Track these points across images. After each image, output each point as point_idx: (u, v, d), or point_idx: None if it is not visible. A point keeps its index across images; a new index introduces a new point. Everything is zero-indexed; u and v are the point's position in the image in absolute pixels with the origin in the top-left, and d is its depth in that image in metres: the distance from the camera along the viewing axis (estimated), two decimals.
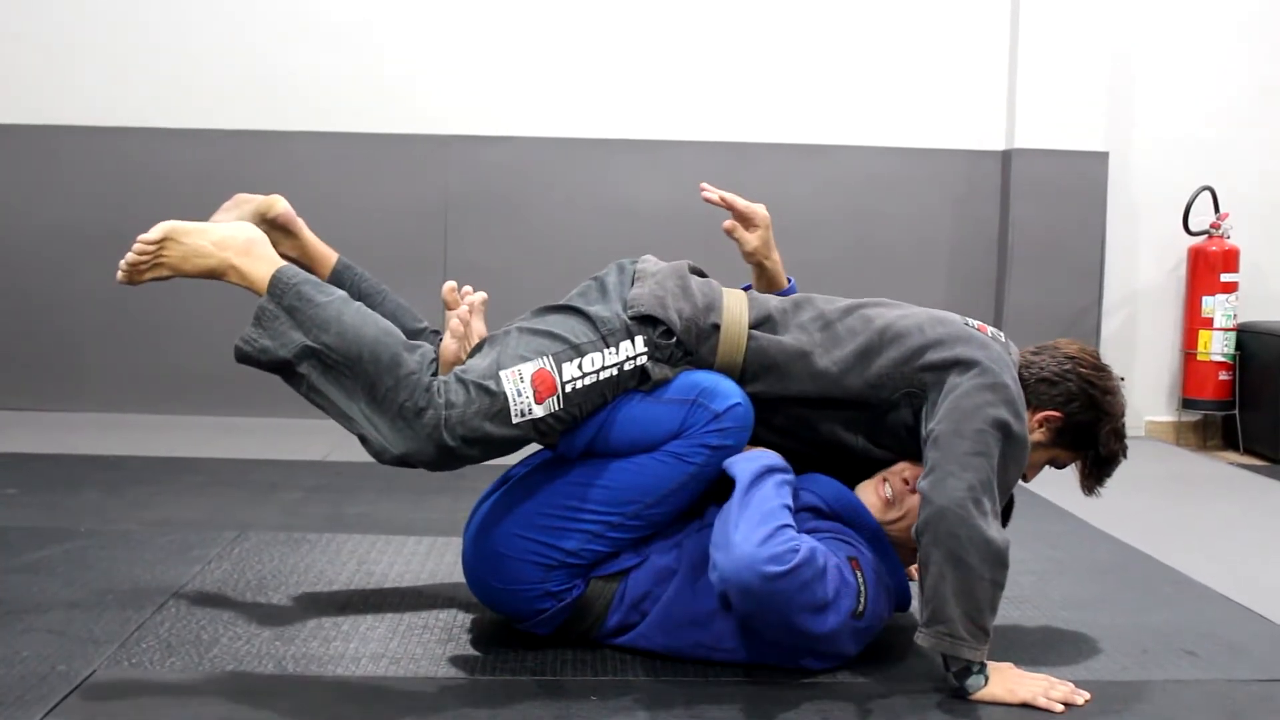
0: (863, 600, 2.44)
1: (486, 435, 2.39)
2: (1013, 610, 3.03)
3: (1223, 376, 5.81)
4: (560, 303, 2.57)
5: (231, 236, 2.49)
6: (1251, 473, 5.22)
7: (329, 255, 2.87)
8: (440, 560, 3.28)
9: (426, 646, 2.63)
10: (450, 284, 2.63)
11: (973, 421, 2.42)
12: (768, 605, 2.30)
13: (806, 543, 2.34)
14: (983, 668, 2.40)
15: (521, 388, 2.40)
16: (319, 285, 2.47)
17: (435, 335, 2.86)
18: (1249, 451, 5.73)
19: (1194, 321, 5.84)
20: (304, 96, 5.65)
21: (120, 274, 2.46)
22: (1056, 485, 4.49)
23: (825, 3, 5.79)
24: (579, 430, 2.51)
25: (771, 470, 2.47)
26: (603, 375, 2.46)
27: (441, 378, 2.40)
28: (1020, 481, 2.62)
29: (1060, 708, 2.38)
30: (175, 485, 4.18)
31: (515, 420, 2.40)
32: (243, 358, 2.44)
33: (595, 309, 2.52)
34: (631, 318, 2.50)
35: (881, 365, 2.55)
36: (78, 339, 5.68)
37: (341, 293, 2.49)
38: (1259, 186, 5.93)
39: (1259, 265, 5.95)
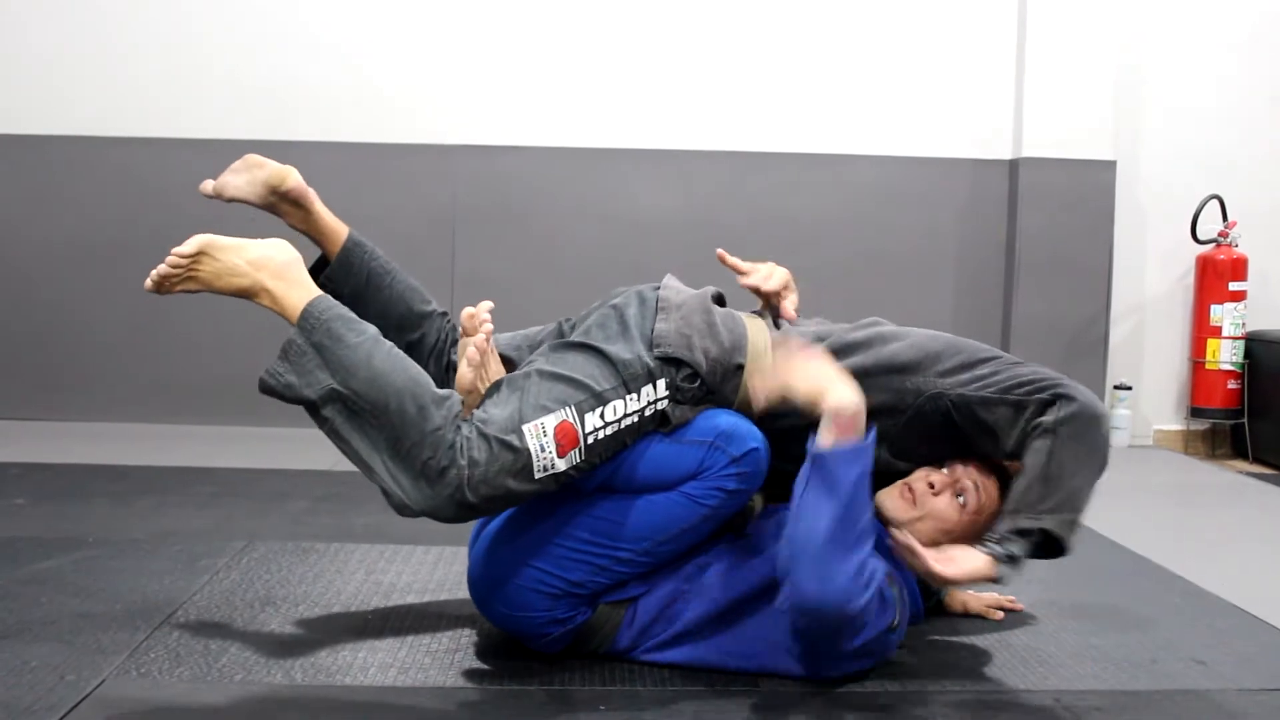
0: (898, 615, 2.44)
1: (509, 492, 2.35)
2: (1020, 620, 3.02)
3: (1231, 385, 5.80)
4: (580, 339, 2.49)
5: (269, 257, 2.40)
6: (1261, 481, 5.21)
7: (339, 230, 2.79)
8: (449, 570, 3.28)
9: (434, 656, 2.63)
10: (469, 310, 2.56)
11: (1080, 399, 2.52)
12: (836, 629, 2.31)
13: (880, 571, 2.34)
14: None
15: (545, 442, 2.34)
16: (350, 323, 2.38)
17: (444, 318, 2.81)
18: (1258, 460, 5.72)
19: (1202, 330, 5.83)
20: (310, 107, 5.66)
21: (149, 283, 2.38)
22: None
23: (833, 13, 5.79)
24: (596, 473, 2.48)
25: (865, 474, 2.35)
26: (624, 424, 2.42)
27: (464, 433, 2.33)
28: None
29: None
30: (183, 495, 4.18)
31: (538, 476, 2.35)
32: (267, 390, 2.37)
33: (616, 349, 2.45)
34: (656, 358, 2.45)
35: (914, 381, 2.55)
36: (85, 349, 5.68)
37: (373, 331, 2.40)
38: (1267, 195, 5.92)
39: (1267, 274, 5.94)
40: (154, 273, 2.37)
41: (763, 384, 2.43)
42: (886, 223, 5.81)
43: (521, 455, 2.33)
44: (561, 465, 2.37)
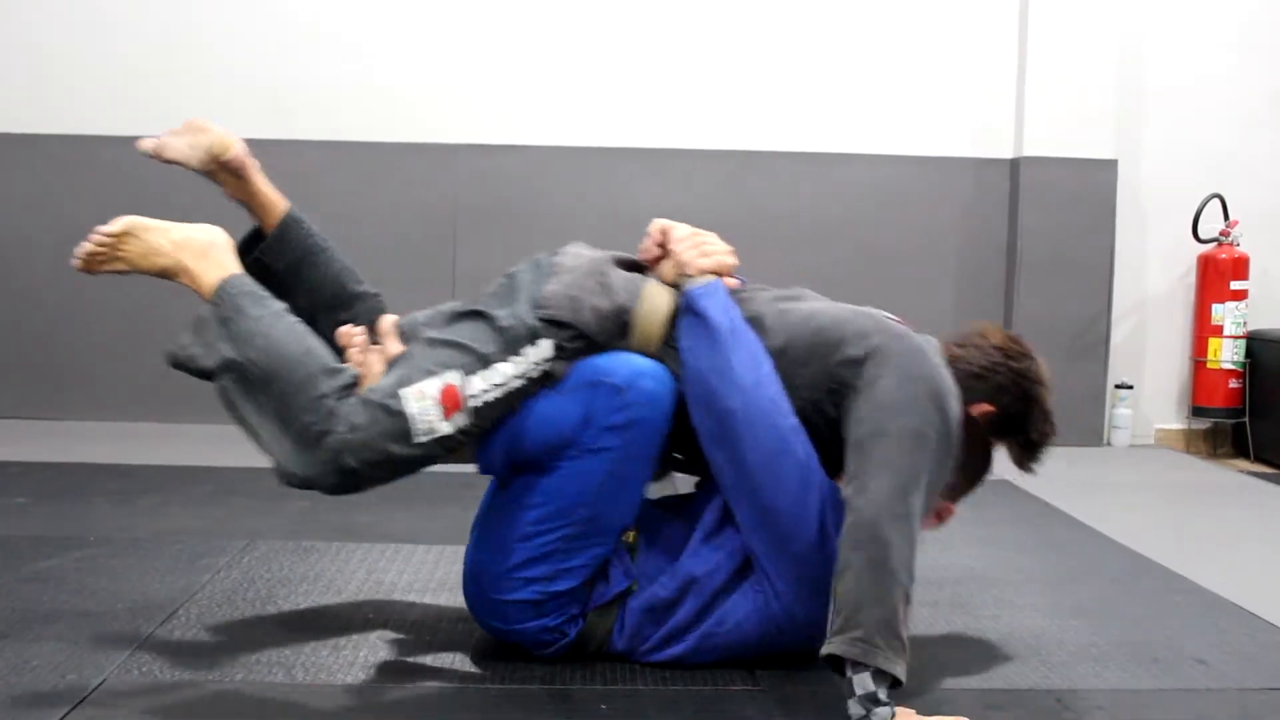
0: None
1: (390, 456, 2.34)
2: (1023, 619, 3.02)
3: (1233, 384, 5.80)
4: (469, 307, 2.47)
5: (191, 238, 2.50)
6: (1262, 480, 5.21)
7: (278, 204, 2.77)
8: (449, 569, 3.28)
9: (436, 655, 2.63)
10: (341, 329, 2.54)
11: (896, 419, 2.30)
12: (774, 451, 2.36)
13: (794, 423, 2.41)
14: (890, 705, 2.15)
15: (426, 405, 2.33)
16: (258, 299, 2.42)
17: (376, 298, 2.78)
18: (1259, 459, 5.71)
19: (1204, 329, 5.83)
20: (312, 106, 5.65)
21: (76, 261, 2.45)
22: (1065, 493, 4.50)
23: (834, 11, 5.79)
24: (491, 442, 2.44)
25: (726, 300, 2.47)
26: (512, 386, 2.38)
27: (348, 401, 2.34)
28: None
29: None
30: (185, 494, 4.18)
31: (420, 439, 2.34)
32: (174, 363, 2.44)
33: (500, 313, 2.42)
34: (541, 319, 2.40)
35: (808, 365, 2.45)
36: (87, 348, 5.68)
37: (279, 306, 2.44)
38: (1269, 194, 5.92)
39: (1269, 273, 5.94)
40: (79, 250, 2.44)
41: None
42: (887, 222, 5.80)
43: (400, 419, 2.33)
44: (446, 428, 2.35)
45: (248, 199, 2.78)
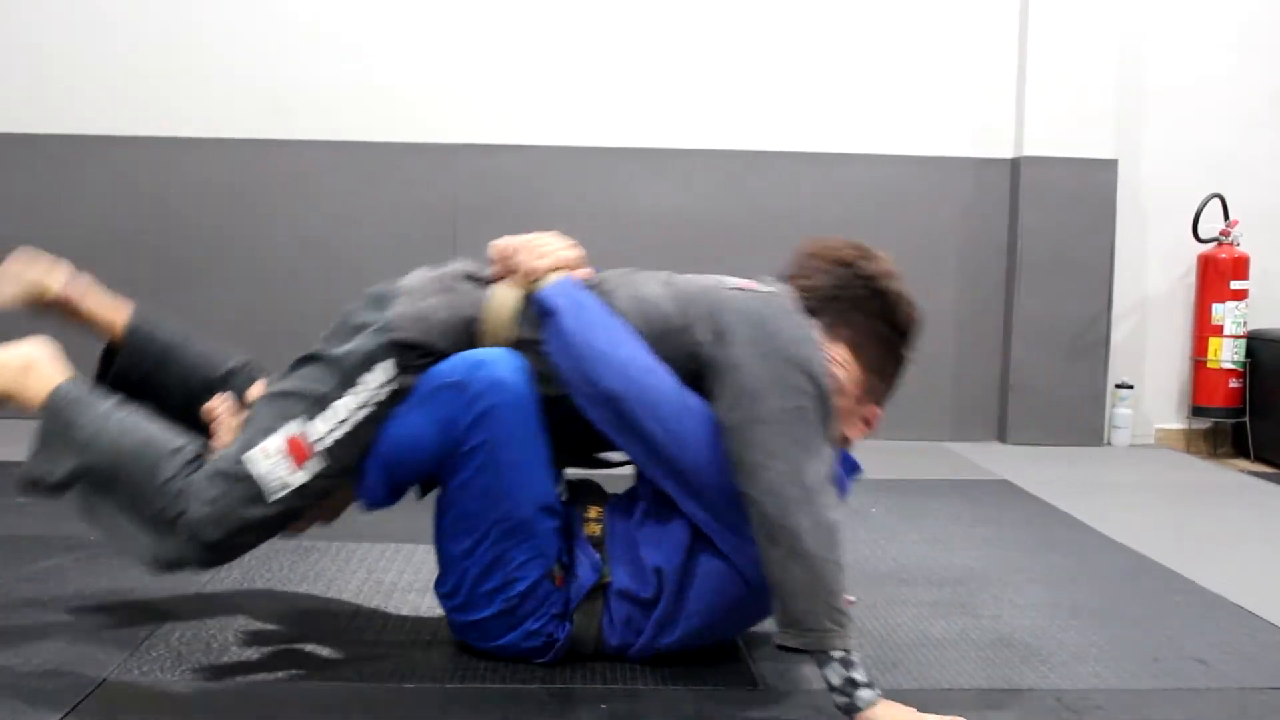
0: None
1: (250, 520, 2.32)
2: (1022, 619, 3.03)
3: (1233, 384, 5.80)
4: (306, 353, 2.43)
5: (5, 364, 2.49)
6: (1262, 480, 5.21)
7: (118, 317, 2.77)
8: None
9: (436, 655, 2.63)
10: (206, 405, 2.54)
11: (767, 402, 2.26)
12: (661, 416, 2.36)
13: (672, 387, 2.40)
14: (871, 684, 2.16)
15: (272, 463, 2.31)
16: (86, 404, 2.40)
17: (249, 367, 2.75)
18: (1260, 459, 5.72)
19: (1204, 329, 5.83)
20: (313, 106, 5.65)
21: None
22: (1066, 493, 4.50)
23: (833, 11, 5.79)
24: (366, 476, 2.43)
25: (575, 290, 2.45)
26: (358, 418, 2.35)
27: (194, 479, 2.31)
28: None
29: None
30: None
31: (276, 496, 2.32)
32: (24, 487, 2.41)
33: (334, 349, 2.38)
34: (389, 342, 2.36)
35: (661, 348, 2.42)
36: (84, 348, 5.66)
37: (108, 405, 2.41)
38: (1269, 194, 5.92)
39: (1269, 272, 5.94)
40: None
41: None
42: (887, 222, 5.80)
43: (249, 483, 2.31)
44: (300, 478, 2.33)
45: (86, 324, 2.78)
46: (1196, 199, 5.76)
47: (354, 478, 2.42)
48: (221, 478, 2.31)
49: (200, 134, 5.64)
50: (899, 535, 3.89)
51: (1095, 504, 4.41)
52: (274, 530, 2.40)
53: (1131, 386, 5.89)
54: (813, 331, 2.41)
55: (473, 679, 2.51)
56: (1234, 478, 5.29)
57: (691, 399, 2.39)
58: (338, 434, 2.35)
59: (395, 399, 2.38)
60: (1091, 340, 5.78)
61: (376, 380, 2.36)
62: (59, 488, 2.37)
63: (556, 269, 2.50)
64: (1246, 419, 5.79)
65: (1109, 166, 5.77)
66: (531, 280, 2.48)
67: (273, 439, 2.32)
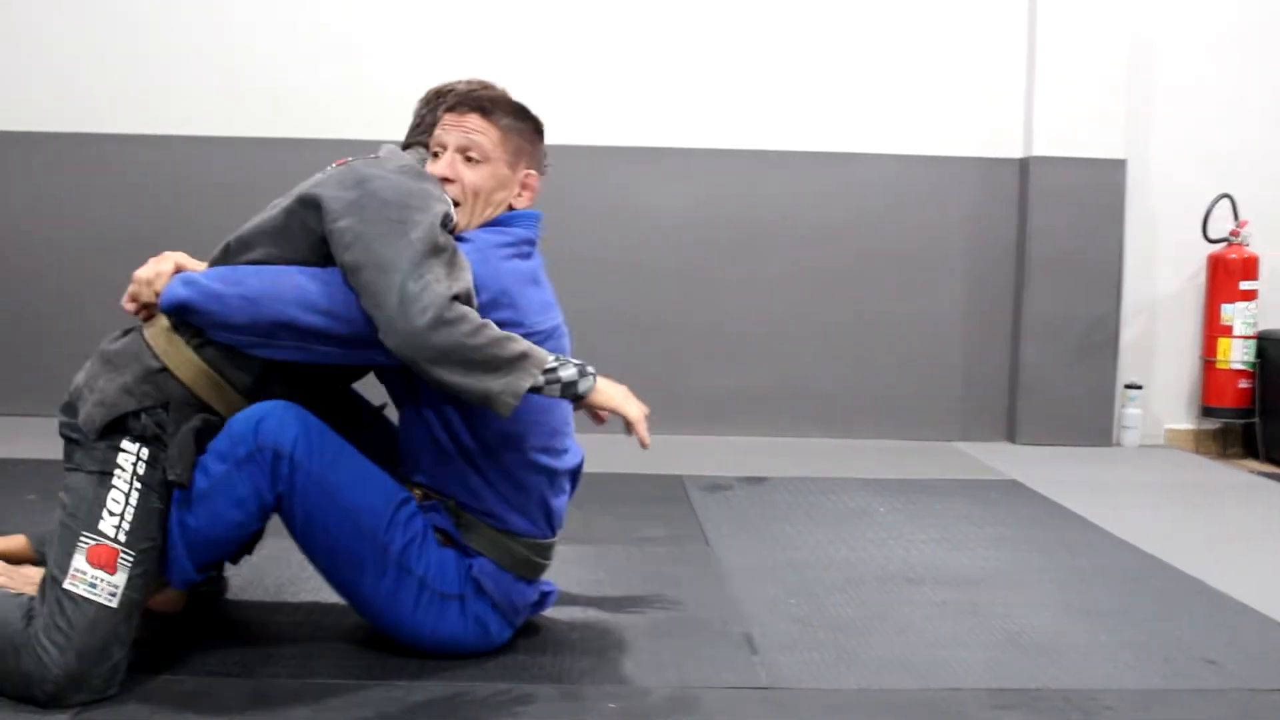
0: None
1: (108, 632, 2.33)
2: (1032, 618, 3.02)
3: (1242, 384, 5.79)
4: (66, 463, 2.49)
5: None
6: (1272, 480, 5.19)
7: (19, 547, 2.86)
8: None
9: (442, 654, 2.63)
10: None
11: (367, 246, 2.38)
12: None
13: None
14: (584, 372, 2.44)
15: (90, 577, 2.33)
16: None
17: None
18: (1269, 459, 5.70)
19: (1213, 329, 5.82)
20: (324, 106, 5.64)
21: None
22: (1075, 493, 4.50)
23: (843, 11, 5.79)
24: (174, 563, 2.46)
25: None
26: (134, 500, 2.40)
27: (35, 626, 2.32)
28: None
29: (646, 436, 2.51)
30: None
31: (116, 603, 2.34)
32: None
33: (79, 457, 2.45)
34: (101, 437, 2.42)
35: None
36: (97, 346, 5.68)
37: None
38: (1278, 194, 5.90)
39: (1279, 273, 5.92)
40: None
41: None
42: (896, 221, 5.80)
43: (83, 604, 2.32)
44: (122, 576, 2.36)
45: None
46: (1206, 199, 5.75)
47: (158, 563, 2.45)
48: (57, 614, 2.31)
49: (216, 133, 5.64)
50: (907, 535, 3.89)
51: (1105, 504, 4.41)
52: (129, 628, 2.38)
53: (1141, 387, 5.88)
54: (404, 161, 2.60)
55: (482, 679, 2.51)
56: (1244, 478, 5.28)
57: (327, 273, 2.46)
58: (126, 523, 2.39)
59: (156, 465, 2.43)
60: (1101, 340, 5.78)
61: (126, 460, 2.42)
62: None
63: (153, 281, 2.55)
64: (1256, 419, 5.78)
65: (1118, 167, 5.76)
66: (150, 304, 2.56)
67: (75, 559, 2.35)
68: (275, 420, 2.42)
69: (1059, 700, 2.49)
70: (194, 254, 2.64)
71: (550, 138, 5.66)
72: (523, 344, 2.38)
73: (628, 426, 2.50)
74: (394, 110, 5.66)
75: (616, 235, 5.74)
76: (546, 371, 2.39)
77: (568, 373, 2.41)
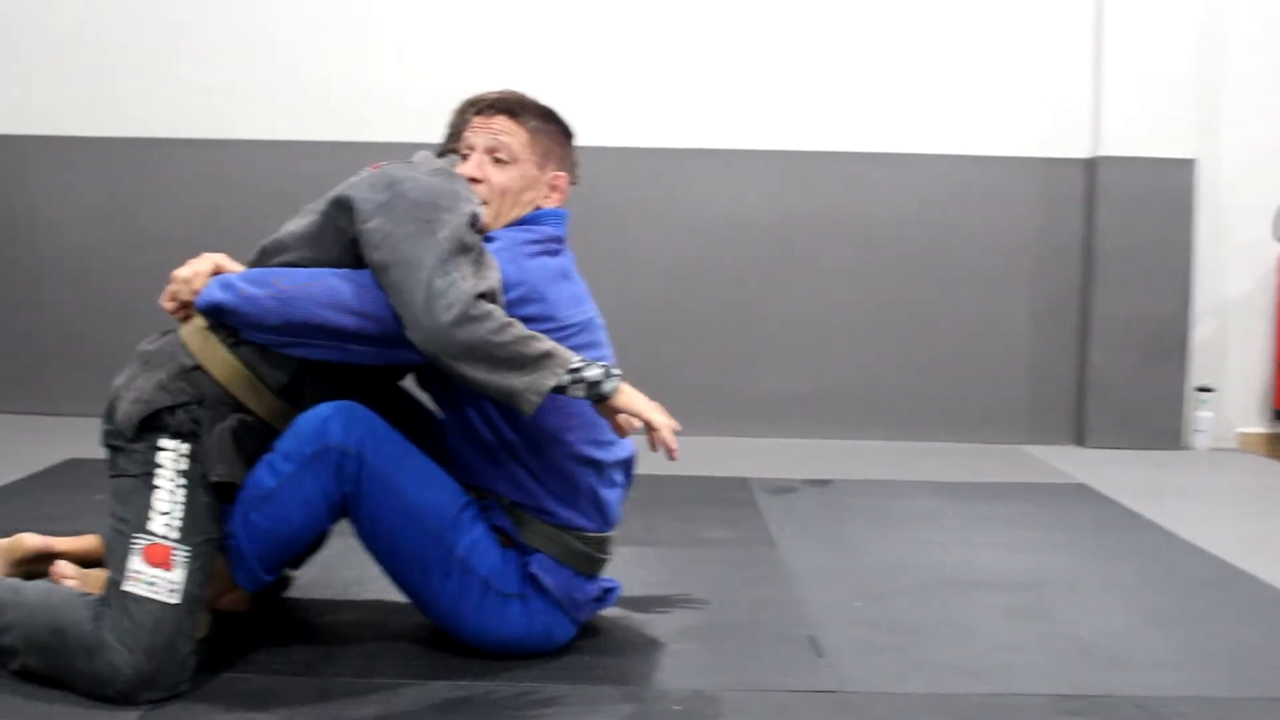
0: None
1: (169, 633, 2.35)
2: (1100, 625, 2.99)
3: None
4: (110, 470, 2.53)
5: None
6: None
7: (92, 547, 2.88)
8: None
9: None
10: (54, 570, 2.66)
11: (395, 245, 2.41)
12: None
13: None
14: (610, 373, 2.42)
15: (149, 577, 2.36)
16: None
17: None
18: None
19: None
20: (387, 108, 5.68)
21: None
22: (1144, 497, 4.44)
23: (906, 8, 5.75)
24: (243, 564, 2.49)
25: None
26: (179, 496, 2.43)
27: (104, 627, 2.35)
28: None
29: (672, 441, 2.44)
30: None
31: (175, 600, 2.36)
32: None
33: (121, 461, 2.49)
34: (139, 435, 2.46)
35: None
36: None
37: (13, 583, 2.51)
38: None
39: None
40: None
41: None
42: (960, 222, 5.76)
43: (145, 603, 2.35)
44: (180, 573, 2.38)
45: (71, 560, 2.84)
46: (1276, 198, 5.66)
47: (216, 554, 2.49)
48: (120, 613, 2.34)
49: (283, 137, 5.70)
50: (974, 539, 3.85)
51: (1175, 509, 4.35)
52: (194, 623, 2.41)
53: (1212, 389, 5.79)
54: (436, 164, 2.66)
55: (545, 679, 2.52)
56: None
57: (358, 274, 2.49)
58: (175, 519, 2.41)
59: (197, 459, 2.46)
60: (1171, 342, 5.70)
61: (167, 458, 2.45)
62: (18, 674, 2.43)
63: (191, 281, 2.60)
64: None
65: (1187, 166, 5.68)
66: (190, 303, 2.60)
67: (132, 560, 2.37)
68: (342, 420, 2.45)
69: (1129, 707, 2.45)
70: (236, 255, 2.67)
71: (603, 140, 5.67)
72: (547, 343, 2.40)
73: (651, 437, 2.46)
74: (433, 115, 5.71)
75: (679, 237, 5.73)
76: (571, 371, 2.40)
77: (592, 373, 2.41)
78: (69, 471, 4.48)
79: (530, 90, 2.75)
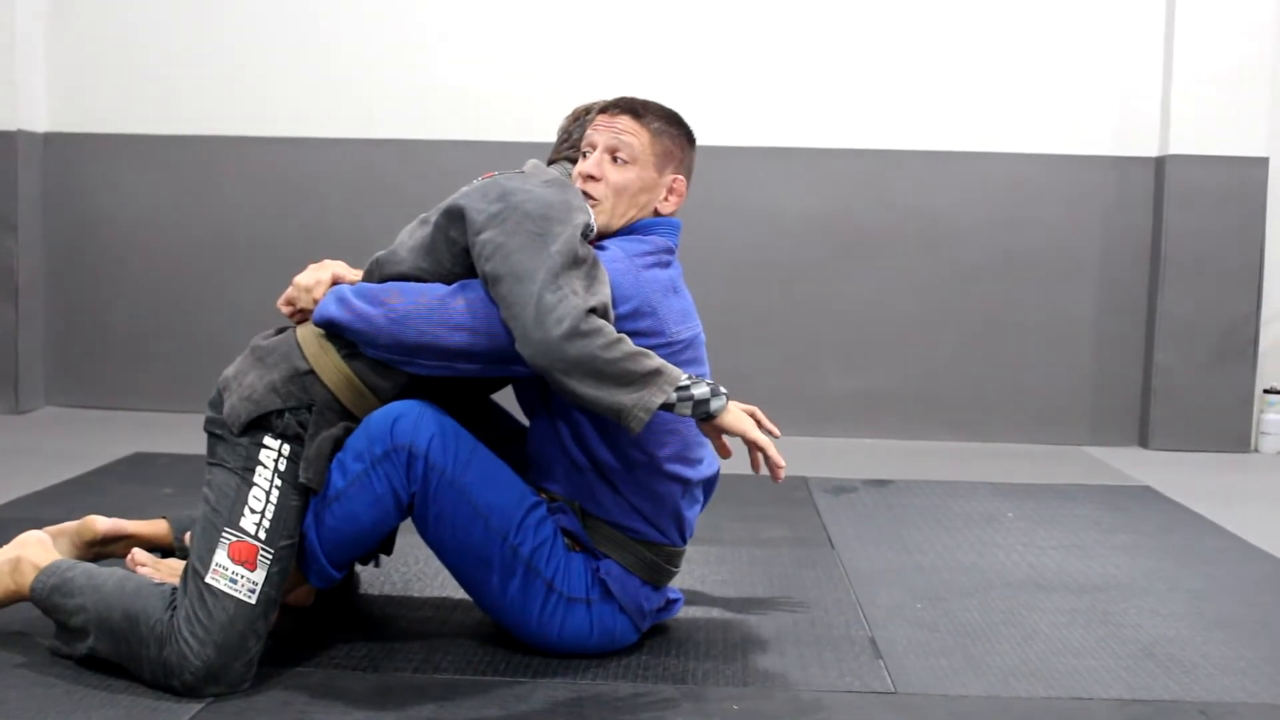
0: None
1: (245, 628, 2.38)
2: (1165, 629, 2.96)
3: None
4: (209, 459, 2.56)
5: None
6: None
7: (162, 532, 2.93)
8: None
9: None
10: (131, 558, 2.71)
11: (506, 257, 2.41)
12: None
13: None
14: (716, 391, 2.42)
15: (231, 574, 2.39)
16: (64, 584, 2.51)
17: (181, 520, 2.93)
18: None
19: None
20: (451, 106, 5.71)
21: None
22: (1211, 501, 4.38)
23: (974, 7, 5.71)
24: (314, 561, 2.53)
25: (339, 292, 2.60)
26: (274, 498, 2.46)
27: (178, 618, 2.38)
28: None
29: (779, 461, 2.48)
30: None
31: (255, 600, 2.40)
32: (59, 657, 2.54)
33: (223, 452, 2.50)
34: (244, 432, 2.48)
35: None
36: (235, 343, 5.81)
37: (81, 576, 2.52)
38: None
39: None
40: None
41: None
42: (1027, 222, 5.70)
43: (223, 599, 2.38)
44: (261, 573, 2.42)
45: (141, 545, 2.88)
46: None
47: (291, 560, 2.52)
48: (198, 606, 2.38)
49: (343, 135, 5.74)
50: (1036, 541, 3.82)
51: (1242, 512, 4.29)
52: (267, 623, 2.46)
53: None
54: (548, 175, 2.64)
55: (605, 678, 2.53)
56: None
57: (469, 289, 2.50)
58: (266, 521, 2.45)
59: (295, 466, 2.49)
60: (1239, 343, 5.62)
61: (268, 457, 2.49)
62: (85, 658, 2.49)
63: (311, 290, 2.62)
64: None
65: (1259, 165, 5.59)
66: (309, 311, 2.62)
67: (218, 554, 2.41)
68: (411, 420, 2.47)
69: (1194, 713, 2.43)
70: (304, 255, 2.70)
71: (706, 139, 5.65)
72: (656, 360, 2.39)
73: (753, 457, 2.48)
74: (530, 111, 5.75)
75: (745, 235, 5.72)
76: (679, 389, 2.39)
77: (700, 391, 2.40)
78: (135, 465, 4.54)
79: (592, 89, 2.78)
